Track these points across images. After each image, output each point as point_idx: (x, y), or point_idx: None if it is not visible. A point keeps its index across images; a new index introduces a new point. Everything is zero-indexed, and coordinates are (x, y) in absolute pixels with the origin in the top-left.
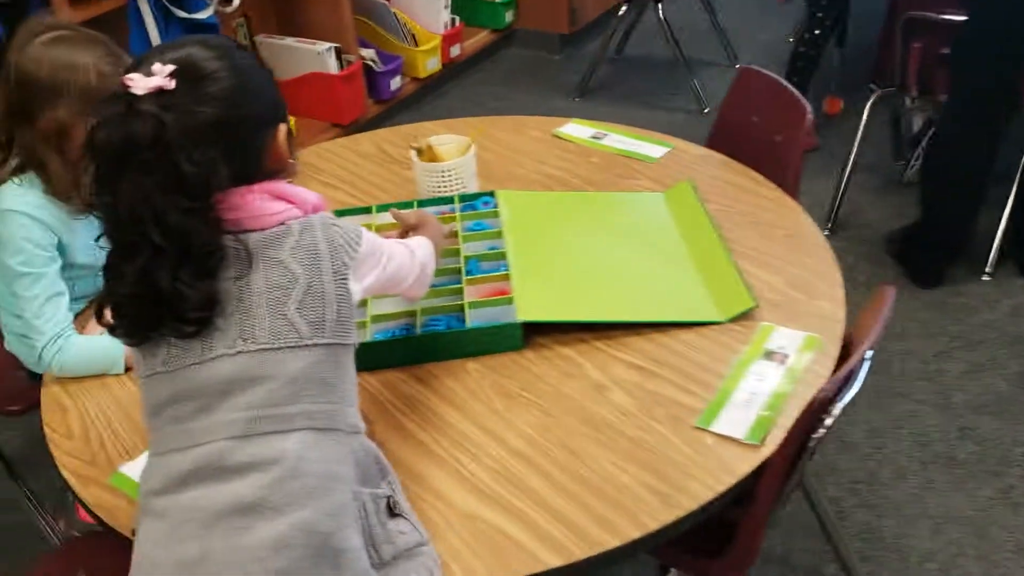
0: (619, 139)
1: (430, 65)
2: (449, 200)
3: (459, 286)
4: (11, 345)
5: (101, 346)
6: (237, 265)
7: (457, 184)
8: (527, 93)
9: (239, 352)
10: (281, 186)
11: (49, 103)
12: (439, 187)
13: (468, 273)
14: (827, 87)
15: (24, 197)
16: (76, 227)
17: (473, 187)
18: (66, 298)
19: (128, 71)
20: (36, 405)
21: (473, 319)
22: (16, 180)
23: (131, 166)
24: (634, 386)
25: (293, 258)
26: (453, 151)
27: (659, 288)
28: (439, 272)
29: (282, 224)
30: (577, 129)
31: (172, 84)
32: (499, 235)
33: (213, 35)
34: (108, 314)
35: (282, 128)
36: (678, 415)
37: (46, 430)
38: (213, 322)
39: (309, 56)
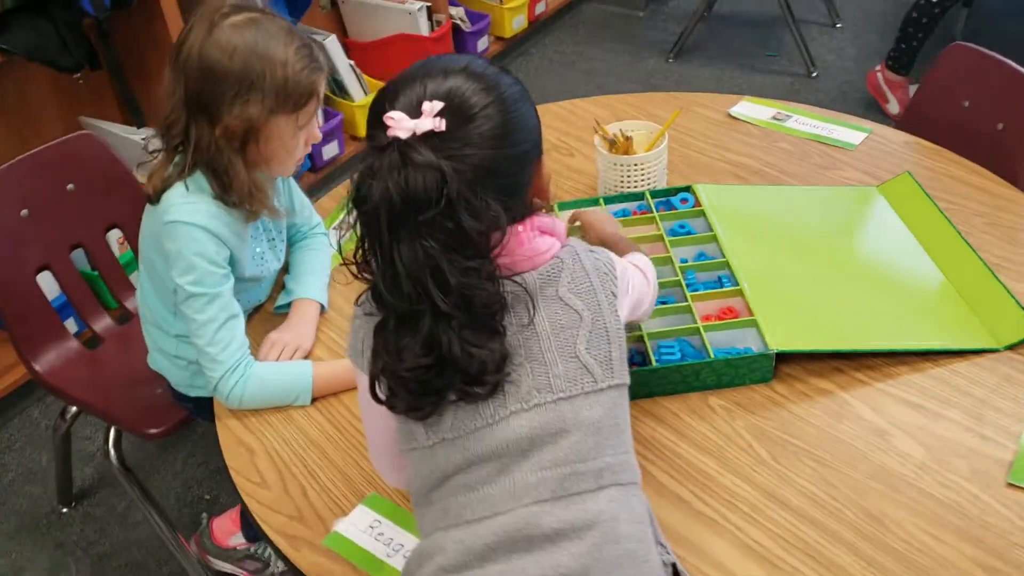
0: (804, 121)
1: (516, 23)
2: (638, 196)
3: (685, 304)
4: (157, 363)
5: (286, 376)
6: (518, 311)
7: (648, 179)
8: (615, 53)
9: (535, 406)
10: (543, 219)
11: (240, 97)
12: (625, 182)
13: (690, 288)
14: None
15: (195, 206)
16: (245, 236)
17: (664, 181)
18: (241, 320)
19: (382, 103)
20: (177, 427)
21: (711, 345)
22: (183, 184)
23: (411, 225)
24: (919, 430)
25: (572, 293)
26: (642, 140)
27: (915, 307)
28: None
29: (554, 259)
30: (753, 109)
31: (443, 126)
32: (709, 239)
33: (474, 58)
34: (381, 389)
35: (543, 158)
36: (982, 468)
37: (235, 477)
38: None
39: (398, 16)
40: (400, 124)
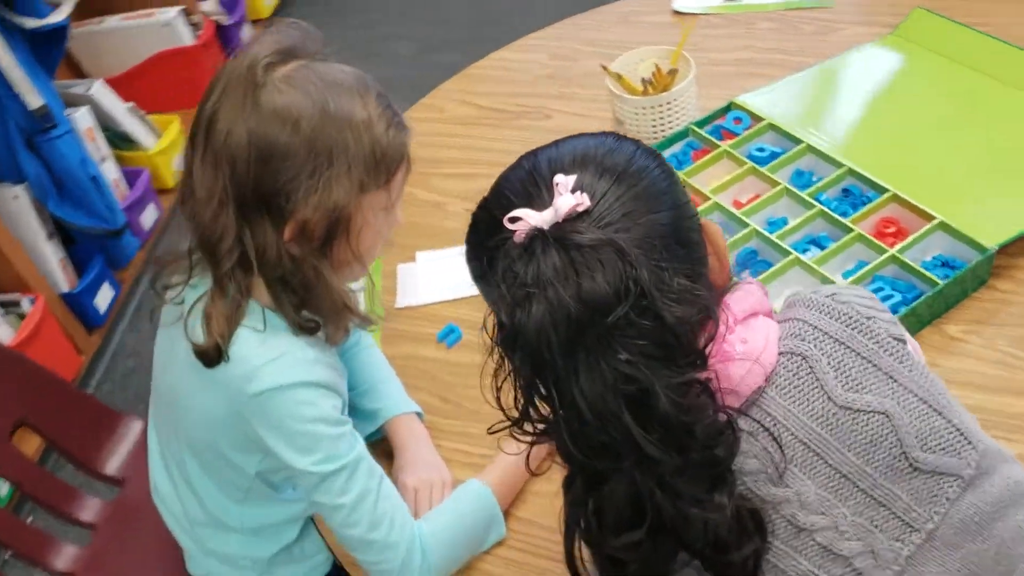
0: None
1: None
2: (681, 136)
3: (850, 232)
4: (208, 570)
5: (465, 516)
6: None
7: (685, 112)
8: None
9: None
10: (736, 297)
11: (317, 178)
12: (660, 125)
13: (838, 212)
14: None
15: (287, 356)
16: (342, 369)
17: (696, 109)
18: (387, 477)
19: (488, 226)
20: None
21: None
22: (250, 326)
23: (593, 339)
24: None
25: (852, 389)
26: (646, 70)
27: None
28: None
29: (786, 354)
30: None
31: (587, 201)
32: (801, 152)
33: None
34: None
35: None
36: None
37: None
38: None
39: (152, 32)
40: (532, 218)
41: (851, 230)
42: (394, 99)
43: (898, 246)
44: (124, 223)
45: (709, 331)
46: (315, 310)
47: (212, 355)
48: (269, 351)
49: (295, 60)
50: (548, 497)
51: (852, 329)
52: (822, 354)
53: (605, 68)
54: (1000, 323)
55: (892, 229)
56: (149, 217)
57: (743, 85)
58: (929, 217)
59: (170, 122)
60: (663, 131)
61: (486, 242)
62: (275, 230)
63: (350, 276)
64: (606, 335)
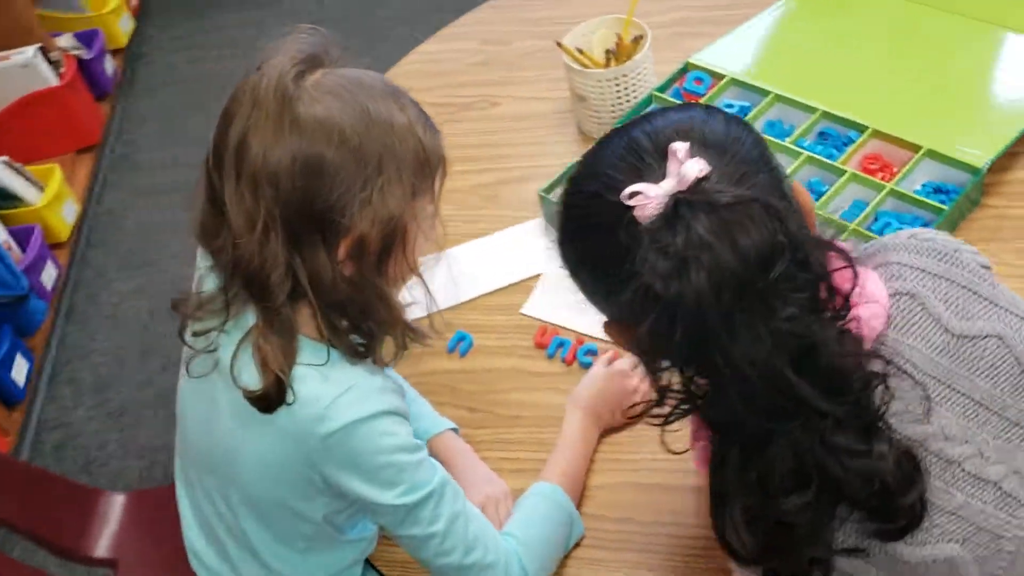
0: None
1: (123, 25)
2: (644, 105)
3: (843, 173)
4: None
5: (545, 520)
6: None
7: (645, 80)
8: None
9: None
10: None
11: (370, 189)
12: (624, 97)
13: (826, 155)
14: None
15: (357, 389)
16: (402, 389)
17: (654, 78)
18: (469, 501)
19: (597, 199)
20: None
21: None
22: (309, 363)
23: (753, 299)
24: None
25: (964, 318)
26: (601, 41)
27: None
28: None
29: (895, 296)
30: None
31: (707, 168)
32: (771, 103)
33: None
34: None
35: None
36: None
37: None
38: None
39: (11, 75)
40: (652, 191)
41: (843, 171)
42: None
43: (894, 179)
44: (27, 287)
45: (835, 281)
46: (369, 333)
47: (273, 396)
48: (335, 387)
49: (321, 67)
50: (608, 490)
51: (945, 263)
52: (927, 290)
53: (560, 45)
54: (1003, 239)
55: (877, 165)
56: (49, 276)
57: (687, 46)
58: (913, 147)
59: (50, 172)
60: (629, 101)
61: (596, 224)
62: (327, 252)
63: (399, 291)
64: (767, 292)
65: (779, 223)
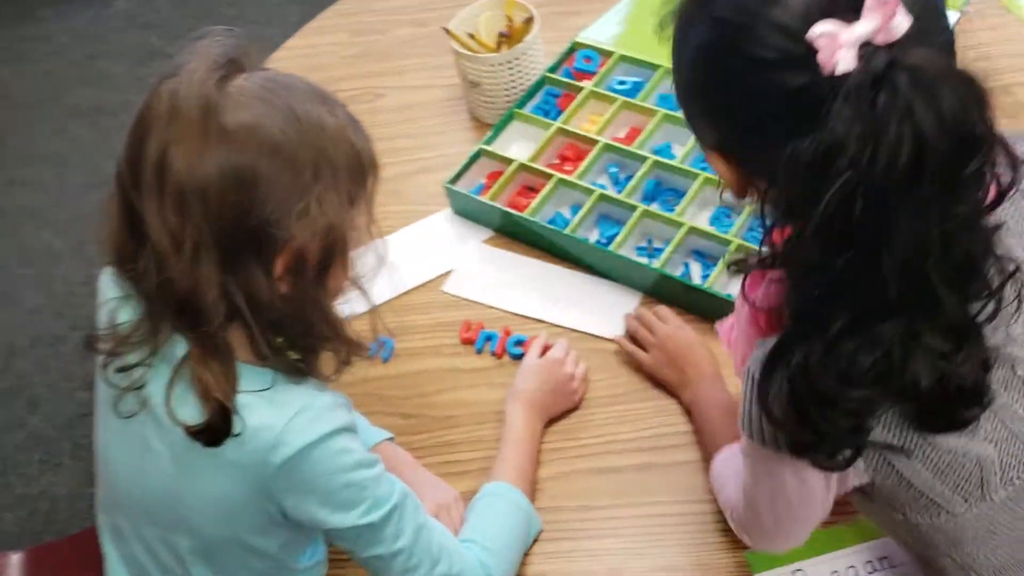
0: None
1: None
2: (538, 87)
3: None
4: None
5: (503, 517)
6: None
7: (537, 60)
8: None
9: None
10: None
11: (307, 198)
12: (518, 80)
13: None
14: None
15: (310, 411)
16: (348, 401)
17: (544, 59)
18: (423, 507)
19: (766, 24)
20: None
21: None
22: (253, 388)
23: (937, 184)
24: None
25: None
26: (490, 24)
27: None
28: None
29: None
30: None
31: (909, 20)
32: (665, 75)
33: None
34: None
35: None
36: None
37: None
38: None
39: None
40: (845, 36)
41: None
42: None
43: None
44: None
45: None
46: (309, 349)
47: (219, 427)
48: (284, 411)
49: (243, 72)
50: (560, 480)
51: None
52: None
53: (448, 31)
54: None
55: None
56: None
57: (571, 24)
58: None
59: None
60: (522, 84)
61: (759, 57)
62: (264, 269)
63: (339, 303)
64: (959, 183)
65: (982, 107)
